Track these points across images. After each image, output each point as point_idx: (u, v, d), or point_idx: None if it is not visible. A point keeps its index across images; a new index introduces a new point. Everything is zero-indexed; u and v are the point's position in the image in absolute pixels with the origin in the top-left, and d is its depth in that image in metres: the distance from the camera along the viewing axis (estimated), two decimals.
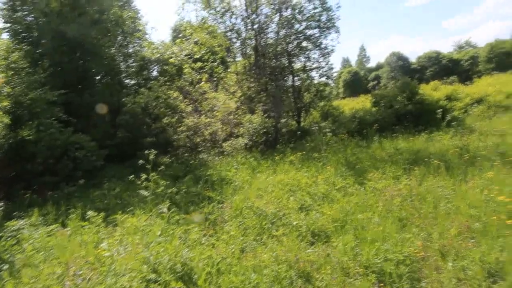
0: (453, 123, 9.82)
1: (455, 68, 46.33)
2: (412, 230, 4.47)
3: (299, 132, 12.55)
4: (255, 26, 14.99)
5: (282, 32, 15.30)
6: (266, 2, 15.15)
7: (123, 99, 14.83)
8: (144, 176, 5.88)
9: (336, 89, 57.70)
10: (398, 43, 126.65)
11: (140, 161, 5.78)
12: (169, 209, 5.42)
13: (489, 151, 6.96)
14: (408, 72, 47.98)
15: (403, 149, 8.60)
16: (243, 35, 15.25)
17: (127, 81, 18.26)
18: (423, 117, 11.57)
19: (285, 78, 16.11)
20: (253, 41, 15.11)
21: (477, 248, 3.86)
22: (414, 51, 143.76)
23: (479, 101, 12.32)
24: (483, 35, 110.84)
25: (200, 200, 6.65)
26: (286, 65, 15.69)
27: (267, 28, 15.18)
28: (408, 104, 12.31)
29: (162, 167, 7.30)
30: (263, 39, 15.23)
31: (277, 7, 14.99)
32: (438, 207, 5.03)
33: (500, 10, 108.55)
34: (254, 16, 14.91)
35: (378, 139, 10.03)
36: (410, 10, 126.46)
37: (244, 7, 14.80)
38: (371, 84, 56.08)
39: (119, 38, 17.10)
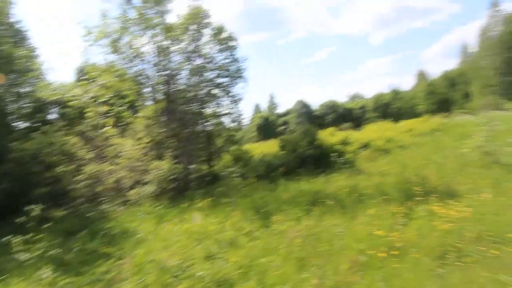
0: (346, 165, 11.06)
1: (350, 115, 53.15)
2: (310, 269, 4.73)
3: (210, 177, 12.58)
4: (166, 72, 15.14)
5: (193, 79, 15.74)
6: (177, 50, 15.56)
7: (9, 145, 12.98)
8: (20, 237, 5.09)
9: (249, 133, 60.34)
10: (305, 92, 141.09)
11: (20, 219, 5.00)
12: (56, 271, 4.74)
13: (372, 189, 7.96)
14: (312, 118, 53.21)
15: (305, 191, 9.26)
16: (154, 80, 15.19)
17: (18, 124, 16.20)
18: (322, 160, 12.79)
19: (196, 124, 16.29)
20: (164, 87, 15.13)
21: (363, 280, 4.26)
22: (317, 99, 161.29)
23: (366, 145, 14.23)
24: (371, 87, 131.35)
25: (96, 258, 5.98)
26: (197, 111, 15.95)
27: (178, 75, 15.42)
28: (309, 149, 13.51)
29: (51, 222, 6.43)
30: (174, 85, 15.38)
31: (188, 56, 15.48)
32: (333, 244, 5.47)
33: (379, 69, 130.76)
34: (165, 62, 15.11)
35: (284, 181, 10.65)
36: (313, 64, 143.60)
37: (155, 54, 14.91)
38: (280, 128, 60.19)
39: (10, 77, 15.34)
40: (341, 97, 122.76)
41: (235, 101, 16.78)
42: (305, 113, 57.28)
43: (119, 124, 14.59)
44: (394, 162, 11.13)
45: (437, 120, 20.64)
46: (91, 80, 15.97)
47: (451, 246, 4.56)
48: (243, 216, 7.43)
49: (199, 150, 15.15)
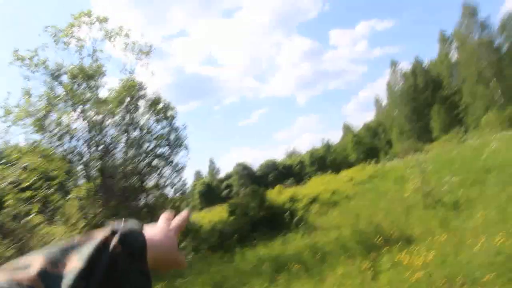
0: (300, 224, 10.94)
1: (289, 171, 54.89)
2: None
3: None
4: (100, 148, 14.25)
5: (131, 152, 15.01)
6: (111, 123, 14.94)
7: None
8: None
9: (193, 202, 58.20)
10: (243, 153, 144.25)
11: None
12: None
13: (332, 246, 7.83)
14: (253, 179, 53.68)
15: (264, 257, 8.76)
16: (86, 157, 14.12)
17: None
18: (275, 221, 12.52)
19: (137, 199, 15.18)
20: (99, 163, 14.10)
21: None
22: (255, 159, 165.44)
23: (314, 200, 14.43)
24: (304, 142, 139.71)
25: None
26: (137, 185, 14.98)
27: (114, 149, 14.59)
28: (260, 211, 13.23)
29: None
30: (110, 160, 14.44)
31: (124, 128, 14.90)
32: None
33: (308, 126, 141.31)
34: (99, 137, 14.29)
35: (240, 250, 10.03)
36: (249, 125, 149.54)
37: (87, 129, 14.08)
38: (224, 193, 59.31)
39: None
40: (279, 155, 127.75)
41: (177, 170, 16.25)
42: (246, 174, 57.76)
43: (47, 210, 12.89)
44: (345, 213, 11.33)
45: (371, 167, 22.15)
46: (11, 164, 14.26)
47: None
48: None
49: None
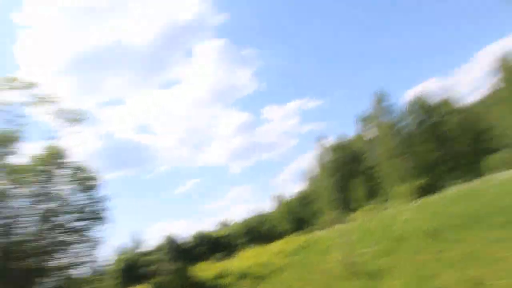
0: None
1: (221, 243, 52.66)
2: None
3: None
4: (2, 222, 12.26)
5: (40, 226, 13.15)
6: (19, 193, 13.19)
7: None
8: None
9: (113, 279, 51.25)
10: (168, 226, 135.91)
11: None
12: None
13: None
14: (181, 252, 50.10)
15: None
16: None
17: None
18: None
19: (41, 282, 12.92)
20: None
21: None
22: (184, 231, 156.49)
23: (244, 275, 13.80)
24: (238, 213, 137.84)
25: None
26: (43, 265, 12.87)
27: (16, 224, 12.68)
28: None
29: None
30: (13, 236, 12.40)
31: (37, 199, 13.21)
32: None
33: (241, 196, 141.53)
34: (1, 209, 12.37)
35: None
36: (174, 198, 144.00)
37: None
38: (149, 268, 53.80)
39: None
40: (211, 225, 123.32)
41: (94, 246, 14.48)
42: (175, 248, 53.81)
43: None
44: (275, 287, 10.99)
45: (301, 238, 22.44)
46: None
47: None
48: None
49: None
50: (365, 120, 64.54)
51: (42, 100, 13.73)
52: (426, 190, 41.33)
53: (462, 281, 5.85)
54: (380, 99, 57.43)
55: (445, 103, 62.01)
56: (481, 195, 15.56)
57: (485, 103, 61.14)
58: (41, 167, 13.41)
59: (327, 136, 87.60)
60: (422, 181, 45.86)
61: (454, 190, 23.94)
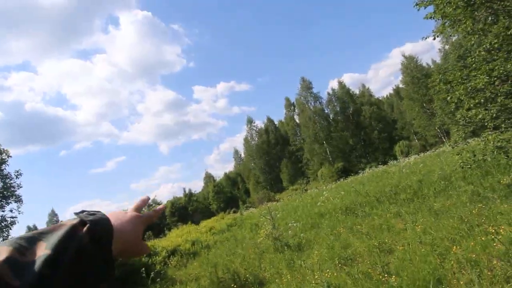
0: (157, 279, 10.23)
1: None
2: None
3: None
4: None
5: None
6: None
7: None
8: None
9: None
10: (90, 206, 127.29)
11: None
12: None
13: None
14: None
15: None
16: None
17: None
18: (129, 279, 11.32)
19: None
20: None
21: None
22: (111, 211, 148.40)
23: (174, 252, 13.88)
24: (164, 193, 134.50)
25: None
26: None
27: None
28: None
29: None
30: None
31: None
32: None
33: (170, 176, 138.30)
34: None
35: None
36: (96, 176, 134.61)
37: None
38: None
39: None
40: None
41: (2, 227, 13.08)
42: None
43: None
44: (204, 263, 11.31)
45: (230, 216, 23.09)
46: None
47: None
48: None
49: None
50: (293, 104, 67.74)
51: None
52: (345, 173, 45.58)
53: (371, 248, 6.87)
54: (307, 85, 60.62)
55: (362, 94, 68.18)
56: (389, 177, 17.88)
57: (394, 97, 68.99)
58: None
59: (255, 119, 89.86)
60: (340, 164, 50.34)
61: (368, 172, 26.88)
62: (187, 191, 60.21)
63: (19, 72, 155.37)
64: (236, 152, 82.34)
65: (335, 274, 5.92)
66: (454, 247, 5.26)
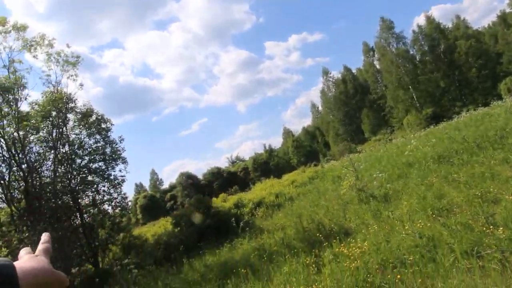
0: (246, 228, 11.07)
1: (234, 178, 54.96)
2: None
3: (98, 278, 10.59)
4: (24, 166, 12.87)
5: (61, 169, 13.85)
6: (36, 140, 13.64)
7: None
8: None
9: (134, 216, 55.08)
10: (182, 165, 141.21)
11: None
12: None
13: (278, 246, 8.08)
14: (198, 188, 52.68)
15: (212, 265, 8.71)
16: (6, 178, 12.65)
17: None
18: (222, 228, 12.49)
19: (71, 218, 14.01)
20: (22, 183, 12.73)
21: None
22: (199, 169, 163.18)
23: (259, 203, 14.72)
24: (246, 150, 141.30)
25: None
26: (70, 203, 13.83)
27: (40, 167, 13.31)
28: (206, 219, 13.09)
29: None
30: (36, 180, 13.12)
31: (51, 145, 13.68)
32: None
33: (249, 134, 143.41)
34: (21, 155, 12.89)
35: (187, 260, 9.83)
36: (184, 138, 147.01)
37: (5, 148, 12.60)
38: (168, 204, 57.28)
39: None
40: (222, 163, 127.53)
41: (116, 184, 15.36)
42: (191, 184, 56.50)
43: None
44: (289, 214, 11.73)
45: (311, 169, 23.22)
46: None
47: (363, 282, 4.86)
48: None
49: (78, 248, 12.83)
50: (372, 49, 62.01)
51: (36, 44, 13.36)
52: (435, 119, 41.27)
53: (471, 198, 6.21)
54: (388, 26, 54.33)
55: (456, 27, 58.58)
56: (493, 119, 15.56)
57: (498, 26, 57.64)
58: (49, 113, 13.59)
59: (331, 70, 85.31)
60: (429, 110, 45.56)
61: (465, 117, 23.82)
62: (267, 147, 62.10)
63: (111, 50, 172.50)
64: (313, 105, 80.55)
65: (428, 225, 5.54)
66: None
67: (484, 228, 4.70)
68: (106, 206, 15.36)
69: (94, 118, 15.25)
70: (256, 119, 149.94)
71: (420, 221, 5.82)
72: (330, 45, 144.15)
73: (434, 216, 6.01)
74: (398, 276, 4.61)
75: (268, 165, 55.31)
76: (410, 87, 51.54)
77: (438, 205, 6.53)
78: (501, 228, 4.45)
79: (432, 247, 4.99)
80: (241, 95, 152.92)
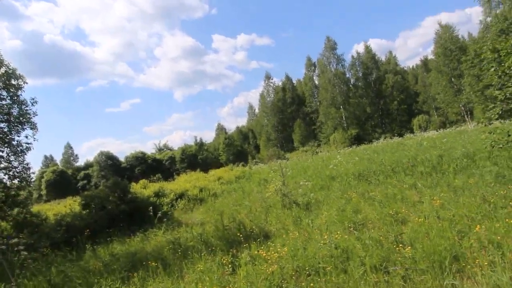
0: (164, 219, 10.46)
1: (159, 166, 52.65)
2: None
3: None
4: None
5: None
6: None
7: None
8: None
9: (37, 191, 49.09)
10: (103, 144, 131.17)
11: None
12: None
13: (195, 242, 7.73)
14: (118, 170, 49.23)
15: (119, 254, 7.98)
16: None
17: None
18: (137, 216, 11.65)
19: None
20: None
21: None
22: (121, 151, 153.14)
23: (181, 195, 14.14)
24: (176, 140, 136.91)
25: None
26: None
27: None
28: (120, 204, 12.08)
29: None
30: None
31: None
32: None
33: (182, 123, 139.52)
34: None
35: (91, 246, 8.89)
36: (110, 115, 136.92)
37: None
38: (80, 183, 52.45)
39: None
40: (149, 149, 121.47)
41: (18, 151, 13.30)
42: (110, 165, 52.53)
43: None
44: (210, 210, 11.46)
45: (239, 169, 23.25)
46: None
47: (277, 287, 4.82)
48: None
49: None
50: (314, 64, 65.31)
51: None
52: (358, 140, 44.97)
53: (384, 216, 6.67)
54: (331, 46, 57.82)
55: (387, 61, 65.07)
56: (405, 149, 17.37)
57: (420, 69, 65.62)
58: None
59: (273, 76, 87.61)
60: (354, 131, 49.52)
61: (382, 143, 26.31)
62: (198, 140, 60.90)
63: (40, 1, 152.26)
64: (251, 107, 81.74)
65: (346, 237, 5.77)
66: (477, 226, 4.98)
67: (394, 246, 5.02)
68: (1, 175, 13.23)
69: (3, 71, 13.04)
70: (192, 109, 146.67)
71: (338, 232, 6.03)
72: (276, 52, 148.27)
73: (350, 229, 6.29)
74: (311, 284, 4.67)
75: (196, 158, 54.30)
76: (341, 107, 55.40)
77: (355, 219, 6.88)
78: (409, 247, 4.78)
79: (345, 258, 5.19)
80: (180, 83, 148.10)
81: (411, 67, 75.89)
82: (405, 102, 56.72)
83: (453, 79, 44.81)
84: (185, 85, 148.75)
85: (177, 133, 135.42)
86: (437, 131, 35.87)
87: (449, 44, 45.48)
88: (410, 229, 5.70)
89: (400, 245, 5.02)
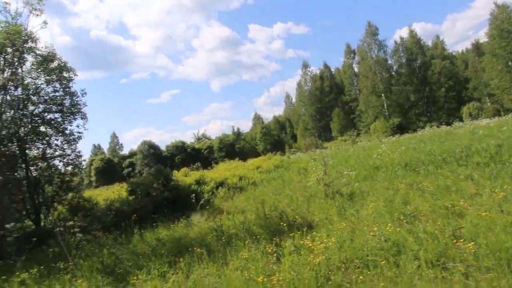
0: (206, 206, 10.67)
1: (198, 155, 54.08)
2: None
3: (35, 238, 9.70)
4: None
5: (9, 114, 12.49)
6: None
7: None
8: None
9: (87, 177, 52.61)
10: (146, 133, 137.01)
11: None
12: None
13: (237, 229, 7.78)
14: (159, 159, 51.25)
15: (165, 239, 8.25)
16: None
17: None
18: (180, 202, 12.01)
19: (14, 169, 12.78)
20: None
21: None
22: (161, 141, 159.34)
23: (221, 184, 14.35)
24: (213, 129, 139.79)
25: None
26: (16, 153, 12.59)
27: None
28: (164, 191, 12.51)
29: None
30: None
31: (2, 83, 12.24)
32: None
33: (220, 113, 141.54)
34: None
35: (138, 231, 9.29)
36: (151, 106, 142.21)
37: None
38: (126, 171, 55.33)
39: None
40: (187, 138, 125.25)
41: (71, 140, 14.18)
42: (152, 154, 54.82)
43: None
44: (250, 198, 11.49)
45: (277, 157, 23.15)
46: None
47: (323, 278, 4.68)
48: (90, 283, 5.82)
49: (20, 202, 11.77)
50: (353, 52, 62.84)
51: None
52: (400, 129, 42.91)
53: (437, 209, 6.24)
54: (373, 31, 55.13)
55: (434, 46, 60.87)
56: (456, 138, 16.21)
57: (471, 53, 60.62)
58: (7, 48, 12.11)
59: (310, 64, 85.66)
60: (396, 120, 47.30)
61: (428, 132, 24.82)
62: (235, 130, 61.57)
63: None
64: (288, 96, 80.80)
65: (398, 229, 5.46)
66: None
67: (452, 240, 4.66)
68: (57, 162, 14.20)
69: (56, 64, 13.81)
70: (228, 99, 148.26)
71: (388, 224, 5.74)
72: (313, 40, 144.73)
73: (400, 221, 5.96)
74: (361, 277, 4.47)
75: (234, 147, 55.01)
76: (382, 95, 53.03)
77: (404, 211, 6.51)
78: (472, 243, 4.40)
79: (396, 251, 4.91)
80: (217, 73, 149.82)
81: (460, 51, 70.60)
82: (453, 88, 52.97)
83: (510, 63, 41.07)
84: (222, 75, 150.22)
85: (214, 123, 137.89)
86: (490, 119, 33.17)
87: (506, 25, 41.56)
88: (469, 223, 5.27)
89: (460, 240, 4.64)
